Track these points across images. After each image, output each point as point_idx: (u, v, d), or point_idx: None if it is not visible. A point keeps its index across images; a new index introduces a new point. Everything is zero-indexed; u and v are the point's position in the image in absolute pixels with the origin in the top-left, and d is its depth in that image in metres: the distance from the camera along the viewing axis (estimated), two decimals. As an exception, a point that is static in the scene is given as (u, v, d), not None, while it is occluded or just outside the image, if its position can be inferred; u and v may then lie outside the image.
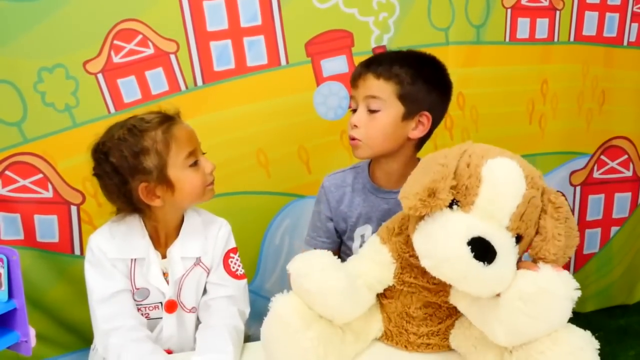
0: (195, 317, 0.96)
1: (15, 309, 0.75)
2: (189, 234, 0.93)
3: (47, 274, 1.37)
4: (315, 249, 1.07)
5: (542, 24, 1.59)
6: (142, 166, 0.84)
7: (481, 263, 0.66)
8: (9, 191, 1.32)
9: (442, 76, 1.01)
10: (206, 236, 0.95)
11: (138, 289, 0.90)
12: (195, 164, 0.88)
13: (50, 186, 1.34)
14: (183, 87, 1.36)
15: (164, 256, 0.92)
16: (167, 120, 0.88)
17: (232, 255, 0.97)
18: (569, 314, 0.68)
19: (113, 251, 0.88)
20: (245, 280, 0.98)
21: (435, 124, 1.01)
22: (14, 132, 1.30)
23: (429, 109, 0.97)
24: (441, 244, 0.68)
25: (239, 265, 0.97)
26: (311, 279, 0.71)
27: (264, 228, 1.50)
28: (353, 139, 0.98)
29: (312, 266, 0.73)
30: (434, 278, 0.74)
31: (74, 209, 1.37)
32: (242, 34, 1.38)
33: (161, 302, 0.92)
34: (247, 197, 1.43)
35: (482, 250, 0.66)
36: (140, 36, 1.33)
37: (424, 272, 0.74)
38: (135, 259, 0.89)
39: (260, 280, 1.52)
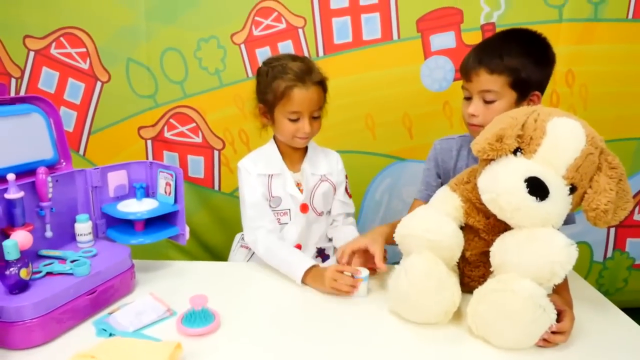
0: (324, 219, 1.22)
1: (177, 211, 1.04)
2: (313, 157, 1.19)
3: (193, 202, 1.69)
4: (426, 201, 1.15)
5: (677, -1, 1.50)
6: (266, 97, 1.10)
7: (534, 198, 0.76)
8: (172, 135, 1.67)
9: (549, 51, 1.01)
10: (328, 161, 1.21)
11: (273, 197, 1.15)
12: (297, 120, 1.09)
13: (200, 133, 1.67)
14: (307, 57, 1.58)
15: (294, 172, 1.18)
16: (296, 79, 1.08)
17: (346, 181, 1.25)
18: None
19: (255, 169, 1.14)
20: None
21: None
22: (178, 89, 1.63)
23: (539, 87, 1.00)
24: (502, 179, 0.78)
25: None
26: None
27: (367, 184, 1.68)
28: (473, 124, 1.03)
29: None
30: (492, 221, 0.86)
31: (216, 153, 1.68)
32: (360, 11, 1.54)
33: (289, 209, 1.16)
34: (354, 156, 1.62)
35: (536, 188, 0.76)
36: (275, 13, 1.56)
37: (486, 216, 0.87)
38: (272, 175, 1.14)
39: (360, 230, 1.67)
